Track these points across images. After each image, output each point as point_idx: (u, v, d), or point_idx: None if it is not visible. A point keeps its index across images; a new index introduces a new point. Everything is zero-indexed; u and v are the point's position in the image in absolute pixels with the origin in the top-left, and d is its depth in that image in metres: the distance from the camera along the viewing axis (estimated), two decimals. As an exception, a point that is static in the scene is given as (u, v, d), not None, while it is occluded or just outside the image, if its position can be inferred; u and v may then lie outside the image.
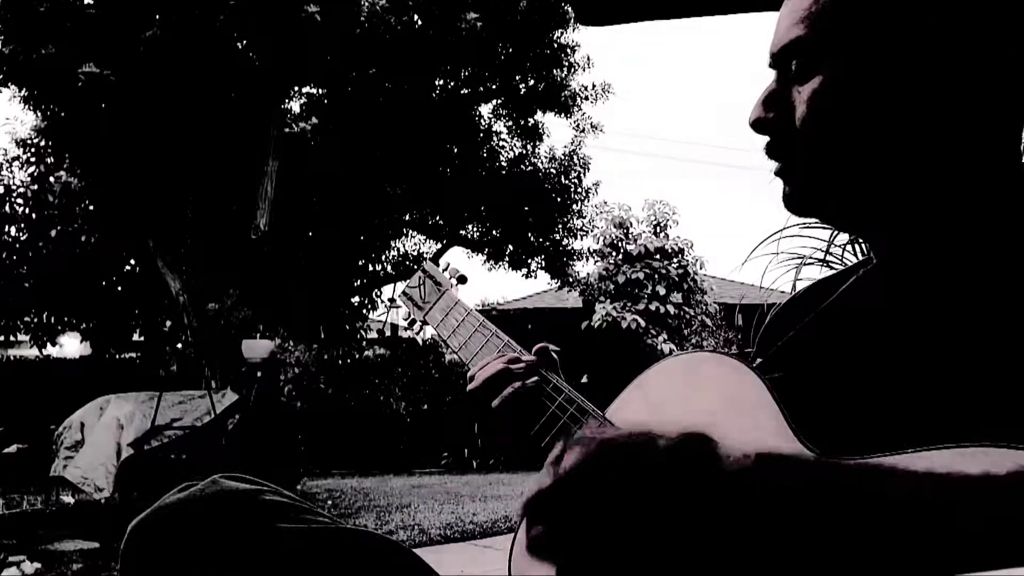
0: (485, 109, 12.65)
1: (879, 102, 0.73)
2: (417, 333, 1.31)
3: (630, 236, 14.85)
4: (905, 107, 0.72)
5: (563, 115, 12.42)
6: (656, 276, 14.09)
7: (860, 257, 2.60)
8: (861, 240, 2.62)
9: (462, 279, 1.24)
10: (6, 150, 12.83)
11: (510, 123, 12.73)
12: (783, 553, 0.52)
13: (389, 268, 13.67)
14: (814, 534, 0.52)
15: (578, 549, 0.52)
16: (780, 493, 0.52)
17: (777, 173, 0.80)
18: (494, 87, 12.02)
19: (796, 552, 0.52)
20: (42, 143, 11.89)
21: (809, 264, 2.81)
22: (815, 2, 0.74)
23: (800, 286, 2.72)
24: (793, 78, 0.76)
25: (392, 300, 13.99)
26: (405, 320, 1.29)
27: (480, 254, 13.24)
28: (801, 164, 0.77)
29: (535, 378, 1.00)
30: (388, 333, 14.81)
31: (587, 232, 13.32)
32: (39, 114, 10.50)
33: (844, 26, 0.73)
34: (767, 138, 0.80)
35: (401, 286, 1.30)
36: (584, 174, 12.98)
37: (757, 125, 0.79)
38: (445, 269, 1.26)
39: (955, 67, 0.71)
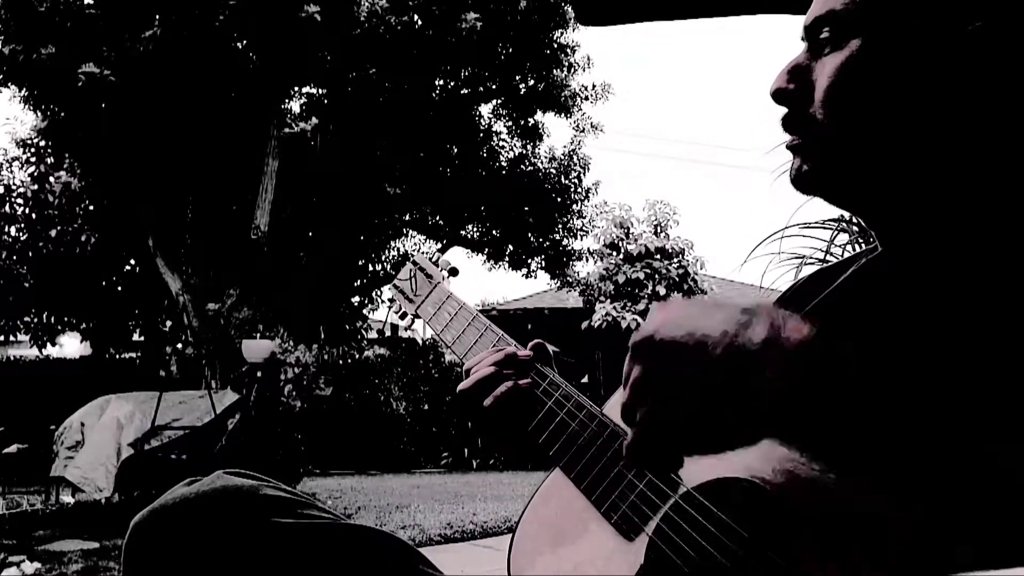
0: (485, 109, 12.66)
1: (901, 82, 0.72)
2: (409, 327, 1.29)
3: (630, 236, 14.86)
4: (928, 91, 0.72)
5: (563, 115, 12.42)
6: (656, 276, 14.09)
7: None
8: (864, 231, 2.62)
9: (454, 271, 1.22)
10: (6, 150, 12.86)
11: (510, 123, 12.73)
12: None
13: (389, 268, 13.67)
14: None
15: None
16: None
17: (790, 147, 0.79)
18: (494, 87, 12.02)
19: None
20: (42, 143, 11.89)
21: (809, 264, 2.81)
22: None
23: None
24: (820, 51, 0.76)
25: (392, 300, 13.97)
26: (396, 313, 1.26)
27: (480, 254, 13.25)
28: (816, 138, 0.77)
29: (530, 375, 0.98)
30: (388, 333, 14.80)
31: (587, 232, 13.32)
32: (39, 114, 10.50)
33: (880, 4, 0.73)
34: (785, 110, 0.79)
35: (399, 284, 1.28)
36: (584, 174, 12.98)
37: (778, 95, 0.78)
38: (436, 261, 1.24)
39: (984, 58, 0.70)
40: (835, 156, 0.76)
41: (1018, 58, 0.70)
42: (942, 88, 0.71)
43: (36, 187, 12.56)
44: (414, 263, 1.24)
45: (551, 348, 1.05)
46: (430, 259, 1.26)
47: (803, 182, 0.78)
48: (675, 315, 0.63)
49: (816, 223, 2.82)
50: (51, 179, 12.26)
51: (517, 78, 11.92)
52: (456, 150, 12.34)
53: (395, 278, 1.26)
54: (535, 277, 13.24)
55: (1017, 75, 0.71)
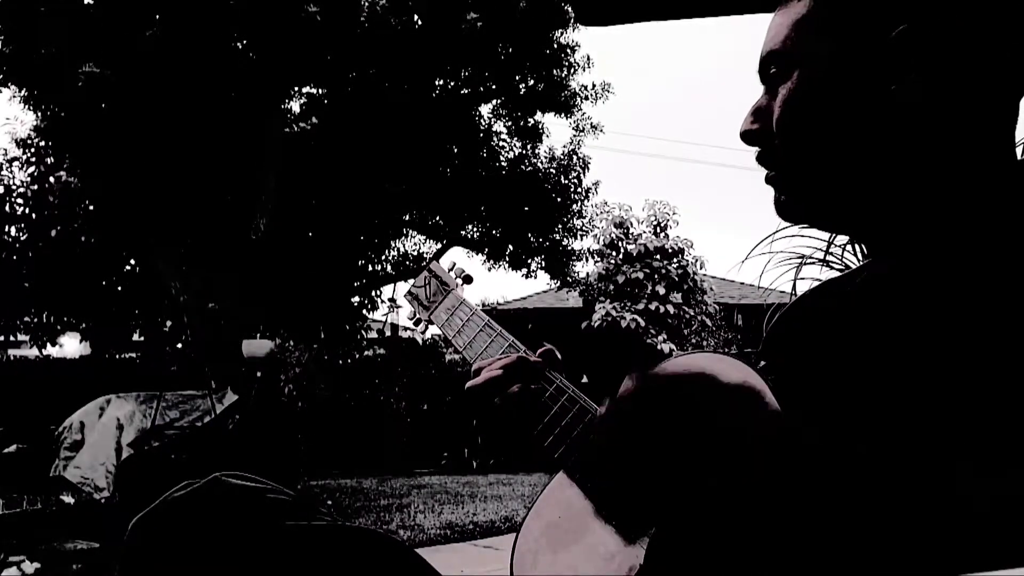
0: (485, 109, 12.65)
1: (845, 103, 0.75)
2: (423, 332, 1.31)
3: (630, 236, 14.86)
4: (872, 107, 0.74)
5: (563, 115, 12.41)
6: (656, 276, 14.10)
7: (860, 257, 2.60)
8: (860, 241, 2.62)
9: (468, 279, 1.25)
10: (6, 150, 12.83)
11: (510, 123, 12.72)
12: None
13: (389, 268, 13.66)
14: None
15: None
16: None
17: (767, 180, 0.83)
18: (494, 87, 12.01)
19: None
20: (42, 143, 11.89)
21: (809, 264, 2.81)
22: (790, 15, 0.78)
23: (800, 286, 2.72)
24: (774, 88, 0.80)
25: (392, 300, 13.99)
26: (410, 319, 1.30)
27: (480, 254, 13.24)
28: (782, 170, 0.81)
29: (539, 379, 0.99)
30: (388, 333, 14.80)
31: (587, 232, 13.31)
32: (39, 114, 10.50)
33: (811, 32, 0.77)
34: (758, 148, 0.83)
35: (402, 286, 1.31)
36: (584, 174, 12.97)
37: (746, 136, 0.83)
38: (451, 269, 1.26)
39: (919, 64, 0.72)
40: (802, 183, 0.80)
41: (947, 55, 0.72)
42: (880, 97, 0.73)
43: (36, 187, 12.55)
44: (429, 270, 1.27)
45: (551, 347, 1.06)
46: (438, 261, 1.29)
47: (784, 212, 0.83)
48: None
49: (815, 223, 2.81)
50: (51, 179, 12.25)
51: (517, 78, 11.90)
52: (456, 150, 12.33)
53: (411, 284, 1.29)
54: (535, 277, 13.23)
55: (951, 70, 0.72)
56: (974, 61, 0.72)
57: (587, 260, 13.75)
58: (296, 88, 11.23)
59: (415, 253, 13.91)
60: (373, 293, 13.58)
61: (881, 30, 0.73)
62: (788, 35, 0.78)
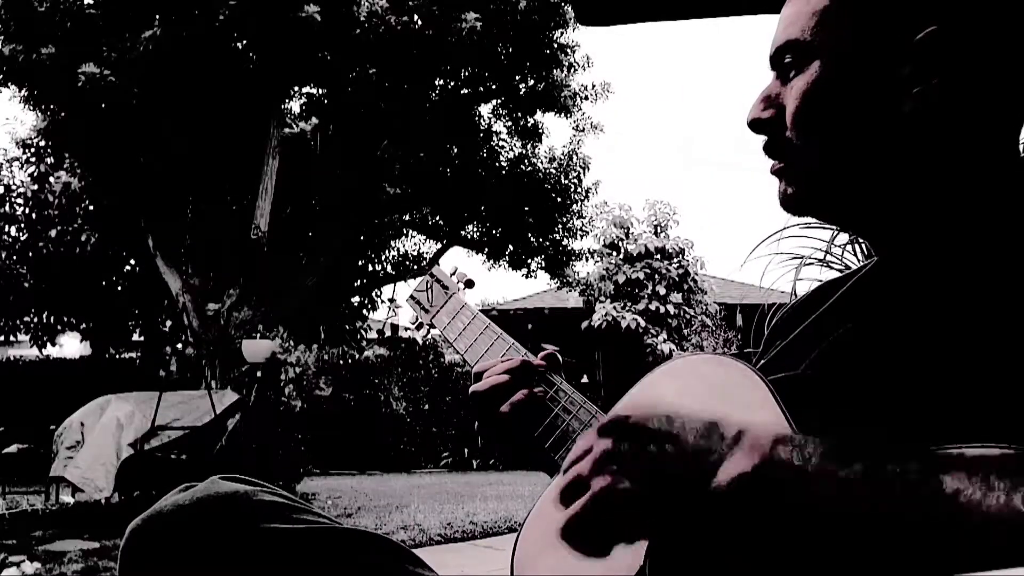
0: (485, 109, 12.65)
1: (862, 97, 0.74)
2: (425, 336, 1.32)
3: (630, 236, 14.87)
4: (892, 105, 0.73)
5: (563, 115, 12.41)
6: (656, 276, 14.11)
7: (860, 257, 2.60)
8: (861, 240, 2.62)
9: (470, 283, 1.26)
10: (6, 150, 12.86)
11: (510, 123, 12.72)
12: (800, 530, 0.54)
13: (389, 268, 13.67)
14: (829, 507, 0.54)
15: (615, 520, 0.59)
16: (797, 471, 0.56)
17: (773, 171, 0.81)
18: (494, 87, 12.01)
19: (813, 528, 0.54)
20: (42, 143, 11.90)
21: (809, 264, 2.80)
22: (810, 4, 0.77)
23: (800, 286, 2.71)
24: (787, 77, 0.78)
25: (392, 300, 14.01)
26: (412, 323, 1.31)
27: (480, 254, 13.24)
28: (794, 161, 0.79)
29: (541, 381, 1.00)
30: (388, 333, 14.80)
31: (587, 232, 13.31)
32: (39, 114, 10.50)
33: (834, 25, 0.75)
34: (765, 137, 0.81)
35: (402, 286, 1.32)
36: (584, 174, 12.97)
37: (754, 125, 0.81)
38: (453, 273, 1.27)
39: (944, 68, 0.71)
40: (814, 176, 0.78)
41: (971, 57, 0.71)
42: (901, 97, 0.72)
43: (36, 187, 12.57)
44: (431, 275, 1.28)
45: (554, 349, 1.06)
46: (434, 261, 1.29)
47: (790, 205, 0.81)
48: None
49: (816, 223, 2.81)
50: (51, 179, 12.26)
51: (517, 78, 11.90)
52: (456, 150, 12.33)
53: (413, 289, 1.30)
54: (535, 277, 13.23)
55: (972, 74, 0.72)
56: (995, 66, 0.71)
57: (587, 260, 13.76)
58: (296, 88, 11.23)
59: (415, 253, 13.91)
60: (373, 293, 13.59)
61: (908, 29, 0.72)
62: (808, 24, 0.76)
